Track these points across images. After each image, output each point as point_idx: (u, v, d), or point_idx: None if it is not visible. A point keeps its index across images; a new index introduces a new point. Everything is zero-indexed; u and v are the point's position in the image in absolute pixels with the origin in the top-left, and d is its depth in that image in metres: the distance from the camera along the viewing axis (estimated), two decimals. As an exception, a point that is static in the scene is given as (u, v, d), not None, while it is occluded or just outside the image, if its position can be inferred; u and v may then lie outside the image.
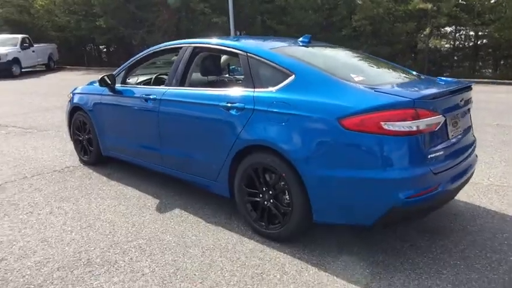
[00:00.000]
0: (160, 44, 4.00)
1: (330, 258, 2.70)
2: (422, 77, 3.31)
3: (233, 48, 3.24)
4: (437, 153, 2.54)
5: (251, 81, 3.01)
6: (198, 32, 20.36)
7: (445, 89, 2.70)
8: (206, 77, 3.85)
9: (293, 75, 2.78)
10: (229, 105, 3.01)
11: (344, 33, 16.08)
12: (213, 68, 3.64)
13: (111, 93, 4.12)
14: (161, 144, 3.62)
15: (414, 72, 3.42)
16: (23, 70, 17.20)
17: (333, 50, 3.63)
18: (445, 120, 2.64)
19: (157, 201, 3.65)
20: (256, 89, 2.94)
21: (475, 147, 3.17)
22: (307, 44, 3.41)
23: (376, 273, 2.52)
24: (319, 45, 3.62)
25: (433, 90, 2.69)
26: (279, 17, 16.91)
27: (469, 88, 3.00)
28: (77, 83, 5.97)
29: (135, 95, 3.84)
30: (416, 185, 2.43)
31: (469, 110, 3.09)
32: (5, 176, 4.38)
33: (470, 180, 3.11)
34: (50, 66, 19.53)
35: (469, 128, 3.11)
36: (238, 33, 16.54)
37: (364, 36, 16.24)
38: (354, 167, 2.47)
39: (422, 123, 2.41)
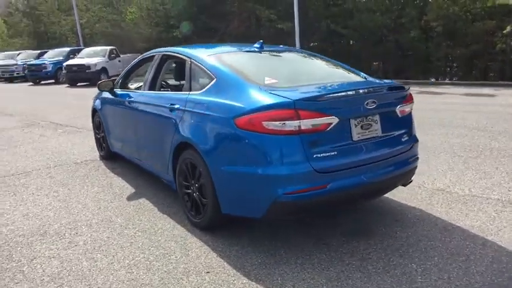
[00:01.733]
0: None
1: (236, 247, 2.94)
2: (359, 79, 3.35)
3: (182, 55, 3.63)
4: (328, 153, 2.65)
5: (189, 84, 3.38)
6: (265, 39, 21.05)
7: (343, 91, 2.78)
8: (177, 81, 4.28)
9: (215, 79, 3.09)
10: (171, 106, 3.41)
11: (413, 35, 15.39)
12: (177, 72, 4.04)
13: (110, 96, 4.78)
14: (136, 140, 4.15)
15: (362, 75, 3.47)
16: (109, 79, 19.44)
17: (279, 55, 3.80)
18: (348, 121, 2.72)
19: (134, 191, 4.18)
20: (190, 92, 3.31)
21: (409, 151, 3.13)
22: (257, 50, 3.65)
23: (265, 263, 2.71)
24: (270, 50, 3.80)
25: (323, 92, 2.79)
26: (344, 21, 16.74)
27: (394, 89, 3.02)
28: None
29: (122, 98, 4.43)
30: (296, 182, 2.57)
31: (404, 112, 3.07)
32: (35, 164, 5.29)
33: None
34: (135, 75, 21.68)
35: (404, 131, 3.09)
36: (297, 39, 16.70)
37: (436, 38, 15.38)
38: (243, 163, 2.71)
39: (304, 124, 2.55)
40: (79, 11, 25.66)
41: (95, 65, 18.46)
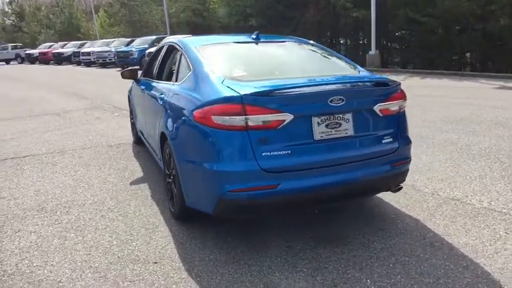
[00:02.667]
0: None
1: (198, 241, 2.91)
2: (342, 74, 3.08)
3: (178, 45, 3.63)
4: (280, 152, 2.48)
5: (176, 74, 3.40)
6: (339, 28, 20.27)
7: (303, 86, 2.57)
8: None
9: (191, 70, 3.06)
10: (160, 96, 3.46)
11: (504, 24, 13.66)
12: (173, 62, 4.01)
13: (134, 84, 5.01)
14: (146, 126, 4.31)
15: (356, 69, 3.18)
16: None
17: (271, 47, 3.58)
18: (309, 119, 2.52)
19: (141, 176, 4.36)
20: (175, 82, 3.32)
21: (394, 153, 2.80)
22: (250, 41, 3.52)
23: (215, 260, 2.65)
24: (265, 42, 3.62)
25: (279, 87, 2.56)
26: (425, 8, 15.40)
27: (377, 86, 2.71)
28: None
29: (141, 86, 4.62)
30: (241, 180, 2.45)
31: (387, 112, 2.76)
32: (75, 145, 5.77)
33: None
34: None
35: (387, 132, 2.78)
36: (373, 28, 15.78)
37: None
38: (198, 157, 2.66)
39: (252, 120, 2.41)
40: (168, 1, 27.19)
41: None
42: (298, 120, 2.50)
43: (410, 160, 3.02)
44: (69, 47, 30.77)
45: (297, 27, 19.23)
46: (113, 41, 26.82)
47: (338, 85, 2.66)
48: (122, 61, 22.00)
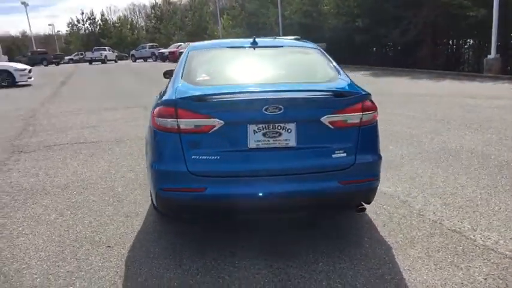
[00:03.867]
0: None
1: (159, 234, 3.10)
2: (320, 81, 2.94)
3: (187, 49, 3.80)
4: (209, 157, 2.49)
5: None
6: (456, 29, 18.24)
7: (241, 93, 2.52)
8: None
9: (175, 74, 3.23)
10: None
11: None
12: None
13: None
14: None
15: (341, 77, 2.99)
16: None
17: (260, 53, 3.49)
18: (244, 126, 2.49)
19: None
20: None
21: (348, 169, 2.58)
22: (245, 46, 3.54)
23: (156, 256, 2.79)
24: (262, 47, 3.55)
25: (215, 92, 2.56)
26: None
27: (334, 96, 2.55)
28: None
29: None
30: (171, 180, 2.54)
31: (339, 124, 2.56)
32: (135, 135, 6.43)
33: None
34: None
35: (340, 146, 2.57)
36: (494, 30, 13.88)
37: None
38: (148, 154, 2.83)
39: (184, 123, 2.49)
40: (285, 3, 27.82)
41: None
42: (230, 126, 2.49)
43: (377, 179, 2.73)
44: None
45: (407, 29, 17.94)
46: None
47: (276, 94, 2.55)
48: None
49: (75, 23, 57.12)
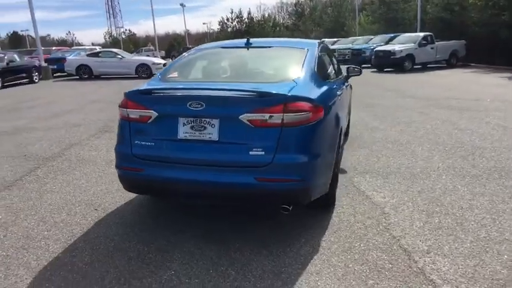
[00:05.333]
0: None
1: (141, 206, 3.63)
2: (266, 81, 3.05)
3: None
4: (147, 143, 2.87)
5: None
6: None
7: (176, 89, 2.81)
8: None
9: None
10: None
11: None
12: None
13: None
14: None
15: (296, 80, 3.04)
16: (416, 66, 19.07)
17: (245, 53, 3.65)
18: (176, 118, 2.81)
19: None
20: None
21: (265, 167, 2.66)
22: (238, 46, 3.79)
23: (120, 238, 3.32)
24: (255, 47, 3.71)
25: (154, 87, 2.92)
26: None
27: (256, 97, 2.68)
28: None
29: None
30: (123, 160, 2.98)
31: (258, 123, 2.67)
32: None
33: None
34: (450, 63, 20.15)
35: (258, 144, 2.67)
36: None
37: None
38: None
39: (131, 113, 2.93)
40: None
41: (400, 51, 18.66)
42: (164, 118, 2.82)
43: (301, 181, 2.72)
44: (325, 44, 33.62)
45: None
46: (371, 38, 26.77)
47: (199, 91, 2.77)
48: (354, 59, 22.72)
49: (225, 21, 62.32)
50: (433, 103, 8.86)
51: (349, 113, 5.74)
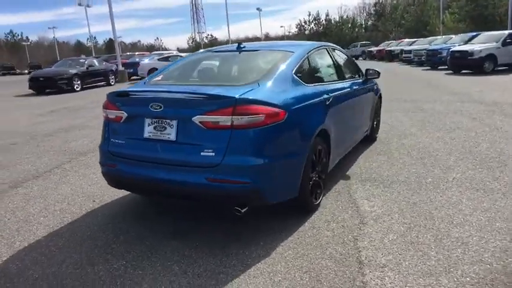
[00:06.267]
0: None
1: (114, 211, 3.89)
2: (235, 84, 3.10)
3: None
4: (119, 141, 3.09)
5: None
6: None
7: (145, 91, 2.99)
8: None
9: None
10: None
11: None
12: None
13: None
14: None
15: (260, 82, 3.06)
16: (499, 68, 17.30)
17: (234, 57, 3.72)
18: (142, 119, 2.99)
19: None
20: None
21: (214, 168, 2.71)
22: (232, 50, 3.88)
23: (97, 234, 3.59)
24: (246, 51, 3.77)
25: (130, 89, 3.08)
26: None
27: (207, 99, 2.77)
28: None
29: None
30: (104, 157, 3.23)
31: (210, 125, 2.74)
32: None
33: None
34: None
35: (209, 146, 2.74)
36: None
37: None
38: None
39: (108, 113, 3.17)
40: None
41: (479, 51, 17.08)
42: (133, 118, 3.01)
43: (253, 183, 2.72)
44: (402, 45, 32.01)
45: None
46: (450, 38, 25.14)
47: (158, 94, 2.91)
48: (429, 60, 21.31)
49: (302, 24, 62.32)
50: (496, 109, 8.03)
51: (371, 117, 5.48)
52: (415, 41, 30.20)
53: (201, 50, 4.50)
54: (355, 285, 2.41)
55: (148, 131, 2.97)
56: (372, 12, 56.01)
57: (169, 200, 3.37)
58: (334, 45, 4.82)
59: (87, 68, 17.65)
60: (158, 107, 2.86)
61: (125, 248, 2.94)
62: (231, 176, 2.72)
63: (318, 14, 61.42)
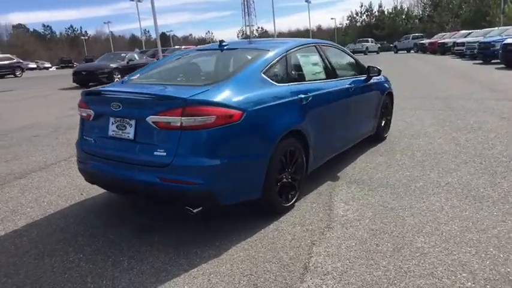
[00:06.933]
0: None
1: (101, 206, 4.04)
2: (198, 84, 3.08)
3: None
4: (89, 138, 3.22)
5: None
6: None
7: (114, 91, 3.09)
8: None
9: None
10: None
11: None
12: None
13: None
14: None
15: (226, 80, 3.08)
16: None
17: (214, 55, 3.71)
18: (107, 117, 3.10)
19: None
20: None
21: (166, 168, 2.75)
22: (211, 49, 3.92)
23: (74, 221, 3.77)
24: (227, 49, 3.77)
25: (100, 89, 3.17)
26: None
27: (157, 99, 2.83)
28: None
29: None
30: (79, 154, 3.38)
31: (162, 126, 2.78)
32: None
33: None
34: None
35: (161, 146, 2.78)
36: None
37: None
38: None
39: (81, 111, 3.31)
40: None
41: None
42: (99, 117, 3.12)
43: (201, 184, 2.72)
44: (456, 37, 30.20)
45: None
46: (506, 29, 23.30)
47: (117, 94, 2.98)
48: (481, 53, 19.94)
49: (354, 15, 60.55)
50: (535, 108, 7.42)
51: (377, 116, 5.26)
52: (470, 33, 28.31)
53: (188, 48, 4.57)
54: (289, 292, 2.36)
55: (112, 129, 3.06)
56: (428, 2, 53.14)
57: (148, 199, 3.44)
58: (331, 42, 4.67)
59: (127, 62, 18.38)
60: (118, 107, 2.95)
61: (88, 241, 3.07)
62: (181, 176, 2.74)
63: (370, 5, 59.39)
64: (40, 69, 51.23)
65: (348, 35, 62.56)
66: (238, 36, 77.66)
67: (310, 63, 4.05)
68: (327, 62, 4.21)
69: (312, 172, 4.28)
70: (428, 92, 10.42)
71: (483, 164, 4.41)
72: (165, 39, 72.31)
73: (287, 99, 3.33)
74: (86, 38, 76.26)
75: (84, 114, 3.30)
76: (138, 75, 3.75)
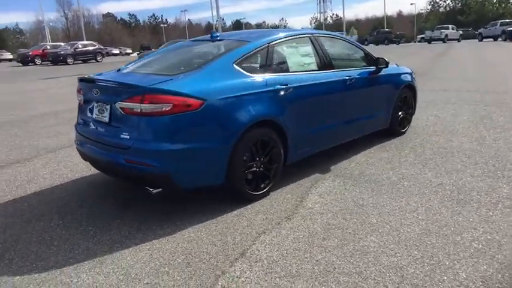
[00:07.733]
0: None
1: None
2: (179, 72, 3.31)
3: None
4: (82, 121, 3.58)
5: None
6: None
7: (99, 79, 3.37)
8: None
9: None
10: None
11: None
12: None
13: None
14: None
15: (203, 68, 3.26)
16: None
17: (206, 46, 3.84)
18: (92, 102, 3.42)
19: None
20: None
21: (127, 150, 2.98)
22: (207, 39, 4.07)
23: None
24: (218, 40, 3.89)
25: (94, 77, 3.47)
26: None
27: (126, 87, 3.08)
28: None
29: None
30: (75, 133, 3.77)
31: (127, 111, 3.01)
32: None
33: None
34: None
35: (126, 129, 3.03)
36: None
37: None
38: None
39: (77, 96, 3.69)
40: None
41: None
42: (87, 101, 3.46)
43: (156, 166, 2.91)
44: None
45: None
46: None
47: (99, 82, 3.28)
48: None
49: (436, 0, 56.26)
50: None
51: (389, 110, 5.05)
52: None
53: (191, 39, 4.77)
54: (214, 273, 2.47)
55: (95, 112, 3.37)
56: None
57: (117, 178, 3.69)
58: (331, 32, 4.55)
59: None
60: (97, 93, 3.26)
61: (72, 211, 3.44)
62: (139, 158, 2.97)
63: (455, -11, 54.74)
64: (122, 54, 55.14)
65: (429, 21, 58.45)
66: (310, 24, 76.38)
67: (299, 54, 4.02)
68: (321, 53, 4.13)
69: (305, 163, 4.30)
70: (484, 85, 9.58)
71: (495, 166, 4.08)
72: (239, 26, 73.58)
73: (259, 90, 3.38)
74: (166, 25, 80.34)
75: (79, 99, 3.66)
76: (131, 65, 4.04)
